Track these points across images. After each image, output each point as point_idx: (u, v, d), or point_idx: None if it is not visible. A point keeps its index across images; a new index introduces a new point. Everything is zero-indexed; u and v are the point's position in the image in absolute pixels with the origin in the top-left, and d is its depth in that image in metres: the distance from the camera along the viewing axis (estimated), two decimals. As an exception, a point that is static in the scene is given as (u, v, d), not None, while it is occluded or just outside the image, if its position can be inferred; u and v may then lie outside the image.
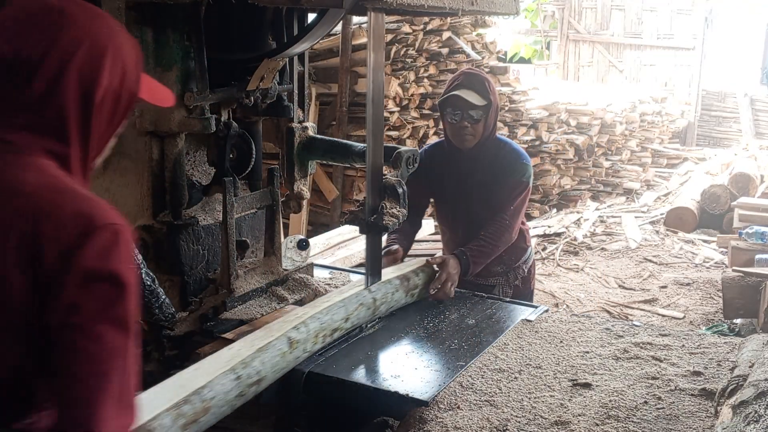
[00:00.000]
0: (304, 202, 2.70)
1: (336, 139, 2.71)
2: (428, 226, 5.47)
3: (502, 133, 7.72)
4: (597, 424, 1.84)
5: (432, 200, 3.16)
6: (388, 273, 2.51)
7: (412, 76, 6.61)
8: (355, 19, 6.31)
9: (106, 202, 1.24)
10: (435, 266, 2.68)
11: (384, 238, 2.61)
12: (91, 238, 1.15)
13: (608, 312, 5.45)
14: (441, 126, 3.66)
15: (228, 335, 2.10)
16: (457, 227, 2.98)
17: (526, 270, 3.03)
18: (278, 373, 1.94)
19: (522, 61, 16.37)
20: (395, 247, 2.84)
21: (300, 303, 2.39)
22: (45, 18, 1.21)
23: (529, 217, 8.04)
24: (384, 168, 2.40)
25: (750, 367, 1.95)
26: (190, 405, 1.61)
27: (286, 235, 4.22)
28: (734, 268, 5.20)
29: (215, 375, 1.71)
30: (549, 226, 7.44)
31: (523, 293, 3.01)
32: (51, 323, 1.14)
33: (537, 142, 8.14)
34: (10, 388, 1.19)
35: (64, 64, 1.20)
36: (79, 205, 1.19)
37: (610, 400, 1.95)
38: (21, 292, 1.14)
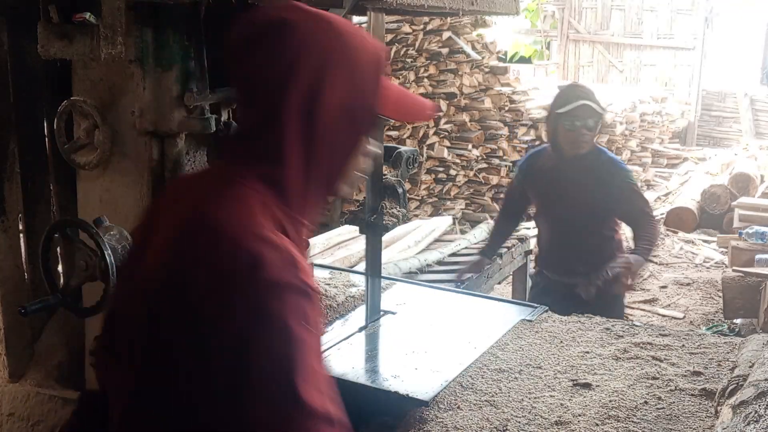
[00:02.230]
0: (304, 202, 2.69)
1: (336, 139, 2.70)
2: (431, 225, 5.46)
3: (502, 133, 7.73)
4: (597, 424, 1.84)
5: (533, 203, 3.53)
6: None
7: (412, 76, 6.61)
8: (355, 19, 6.30)
9: (291, 253, 1.08)
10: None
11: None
12: (238, 294, 1.03)
13: (608, 312, 5.44)
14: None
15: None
16: (557, 228, 3.33)
17: (610, 274, 3.10)
18: None
19: (522, 60, 16.36)
20: (478, 259, 3.62)
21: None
22: (268, 33, 1.11)
23: (529, 217, 8.03)
24: (384, 168, 2.40)
25: (750, 367, 1.94)
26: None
27: (286, 235, 4.21)
28: (734, 268, 5.21)
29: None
30: (549, 226, 7.44)
31: (608, 295, 3.08)
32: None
33: (537, 142, 8.13)
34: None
35: (285, 80, 1.09)
36: (248, 249, 1.05)
37: (610, 400, 1.95)
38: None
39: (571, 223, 3.22)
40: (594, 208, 3.20)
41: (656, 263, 6.66)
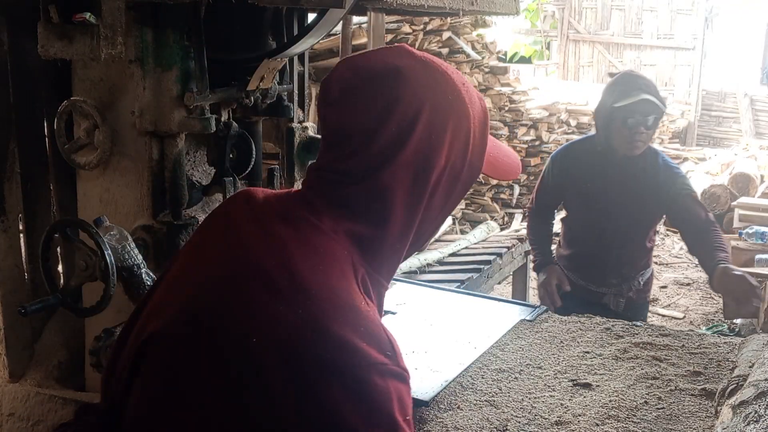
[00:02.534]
0: (304, 202, 2.69)
1: (336, 139, 2.71)
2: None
3: (502, 133, 7.72)
4: (597, 424, 1.84)
5: (565, 200, 3.16)
6: None
7: (412, 76, 6.61)
8: (355, 19, 6.30)
9: (384, 329, 0.98)
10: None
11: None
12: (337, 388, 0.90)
13: (608, 312, 5.45)
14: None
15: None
16: (594, 232, 2.94)
17: (641, 282, 3.01)
18: None
19: (522, 61, 16.38)
20: (545, 277, 2.94)
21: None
22: (381, 83, 1.00)
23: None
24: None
25: (750, 367, 1.94)
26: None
27: (286, 235, 4.22)
28: (734, 268, 5.19)
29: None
30: (549, 226, 7.44)
31: (637, 304, 3.00)
32: None
33: (537, 142, 8.14)
34: None
35: (399, 137, 0.98)
36: (343, 336, 0.92)
37: (610, 400, 1.95)
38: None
39: (612, 230, 2.88)
40: (642, 216, 2.88)
41: (656, 263, 6.66)
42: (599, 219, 2.90)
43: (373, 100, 0.99)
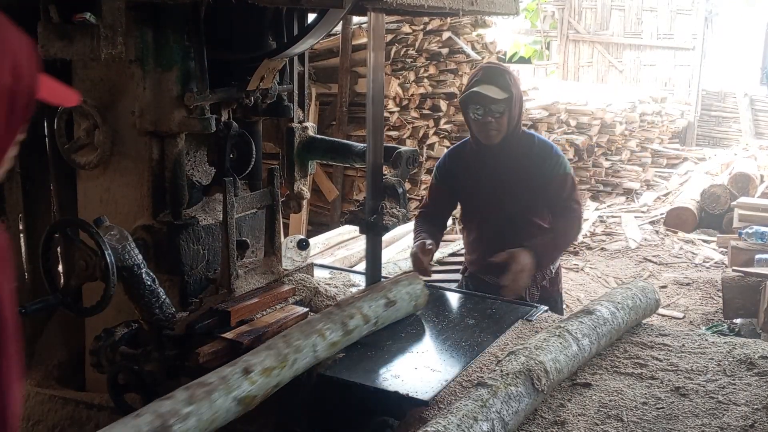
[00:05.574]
0: (304, 202, 2.70)
1: (336, 139, 2.72)
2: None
3: (502, 133, 7.72)
4: (597, 424, 1.84)
5: (458, 200, 3.07)
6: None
7: (412, 76, 6.61)
8: (355, 19, 6.31)
9: None
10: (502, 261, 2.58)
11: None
12: None
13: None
14: (453, 125, 3.69)
15: (227, 335, 2.10)
16: (486, 225, 2.90)
17: (553, 271, 2.95)
18: None
19: (522, 61, 16.37)
20: (429, 241, 2.73)
21: (300, 303, 2.39)
22: None
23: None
24: (384, 168, 2.40)
25: None
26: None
27: (286, 235, 4.23)
28: (734, 268, 5.20)
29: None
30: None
31: (551, 294, 2.94)
32: None
33: (537, 142, 8.14)
34: None
35: None
36: None
37: (610, 400, 1.95)
38: None
39: (503, 221, 2.83)
40: (529, 200, 2.83)
41: (655, 263, 6.66)
42: (489, 214, 2.86)
43: None
